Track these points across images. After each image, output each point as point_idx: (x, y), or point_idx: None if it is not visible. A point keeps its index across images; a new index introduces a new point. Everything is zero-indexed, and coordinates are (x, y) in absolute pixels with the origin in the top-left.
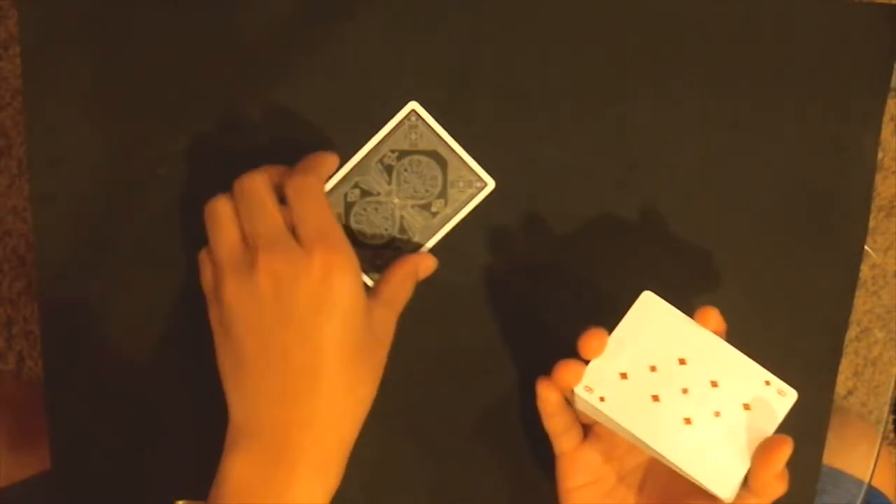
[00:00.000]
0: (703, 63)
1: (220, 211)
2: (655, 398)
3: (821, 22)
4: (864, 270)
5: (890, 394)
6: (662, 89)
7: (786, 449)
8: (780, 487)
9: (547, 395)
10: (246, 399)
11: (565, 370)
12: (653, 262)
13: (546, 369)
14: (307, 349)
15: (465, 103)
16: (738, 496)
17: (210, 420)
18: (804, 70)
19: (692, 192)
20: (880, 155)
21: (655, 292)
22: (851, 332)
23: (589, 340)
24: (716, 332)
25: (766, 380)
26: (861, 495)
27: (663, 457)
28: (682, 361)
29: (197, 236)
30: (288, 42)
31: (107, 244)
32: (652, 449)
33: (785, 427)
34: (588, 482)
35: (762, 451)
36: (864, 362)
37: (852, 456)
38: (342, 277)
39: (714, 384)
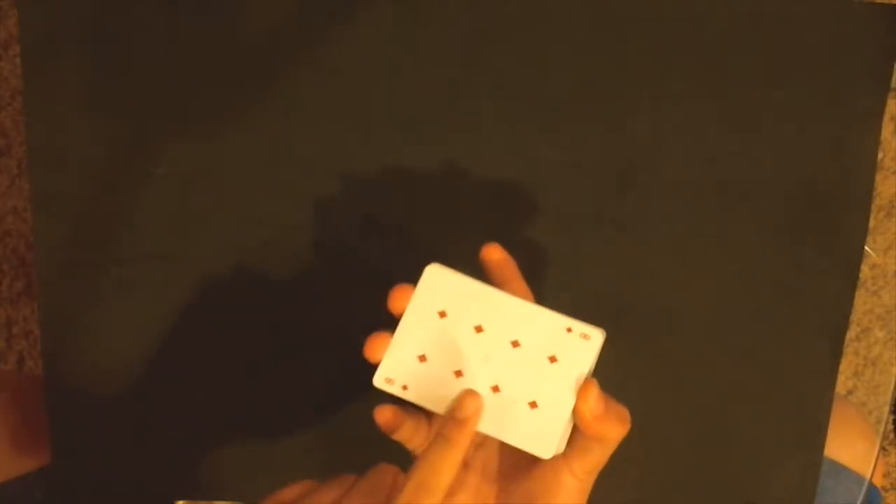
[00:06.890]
0: (703, 63)
1: None
2: (458, 373)
3: (821, 22)
4: (864, 270)
5: (890, 394)
6: (662, 90)
7: (590, 390)
8: (615, 429)
9: (383, 419)
10: None
11: (372, 344)
12: (651, 262)
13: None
14: None
15: (466, 103)
16: (580, 445)
17: (210, 420)
18: (804, 70)
19: (692, 192)
20: (880, 155)
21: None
22: (851, 332)
23: (371, 345)
24: (501, 265)
25: (568, 327)
26: (862, 494)
27: (479, 432)
28: (478, 329)
29: (195, 236)
30: (288, 42)
31: (107, 244)
32: None
33: (785, 426)
34: None
35: (577, 399)
36: (864, 362)
37: (851, 450)
38: None
39: (515, 344)
